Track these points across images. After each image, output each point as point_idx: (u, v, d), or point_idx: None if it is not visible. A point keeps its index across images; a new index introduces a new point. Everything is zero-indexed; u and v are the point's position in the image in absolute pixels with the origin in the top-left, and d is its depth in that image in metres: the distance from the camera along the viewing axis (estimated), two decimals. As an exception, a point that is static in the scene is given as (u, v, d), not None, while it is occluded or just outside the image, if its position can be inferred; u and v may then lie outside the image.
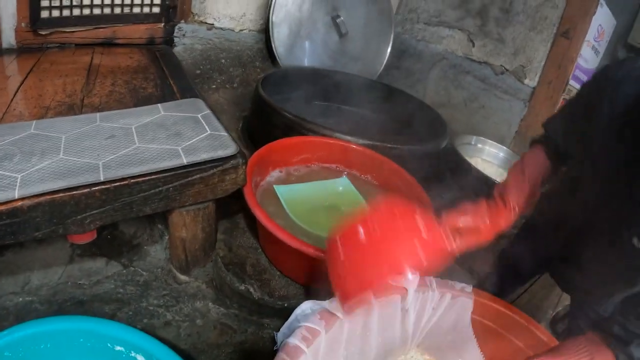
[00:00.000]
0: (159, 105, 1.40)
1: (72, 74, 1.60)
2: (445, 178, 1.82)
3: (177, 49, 1.98)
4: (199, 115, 1.35)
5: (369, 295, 1.05)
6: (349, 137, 1.59)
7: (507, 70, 2.11)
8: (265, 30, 2.25)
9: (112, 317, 1.23)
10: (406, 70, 2.48)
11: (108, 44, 1.87)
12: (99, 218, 1.07)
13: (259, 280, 1.29)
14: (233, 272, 1.28)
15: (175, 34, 1.92)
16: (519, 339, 1.15)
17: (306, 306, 0.98)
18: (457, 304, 1.19)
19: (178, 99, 1.50)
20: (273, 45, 2.19)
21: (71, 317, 0.99)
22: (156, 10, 1.90)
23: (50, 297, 1.23)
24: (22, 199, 0.92)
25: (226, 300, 1.30)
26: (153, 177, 1.08)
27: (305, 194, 1.48)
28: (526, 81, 2.04)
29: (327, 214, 1.43)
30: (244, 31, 2.19)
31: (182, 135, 1.23)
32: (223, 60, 2.13)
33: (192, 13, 1.94)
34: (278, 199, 1.41)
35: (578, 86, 2.07)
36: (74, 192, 0.98)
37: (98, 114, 1.29)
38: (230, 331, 1.25)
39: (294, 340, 0.90)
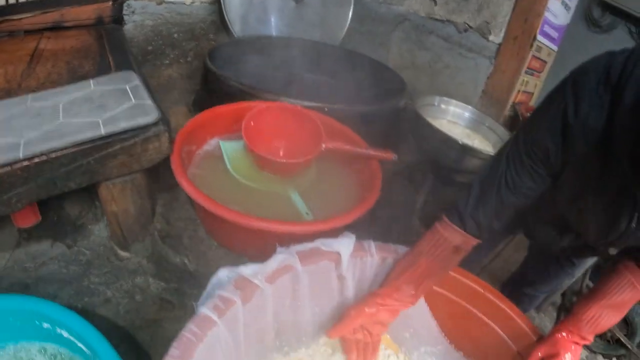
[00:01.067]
0: (90, 80, 1.37)
1: (16, 61, 1.57)
2: (405, 140, 1.76)
3: (128, 27, 1.92)
4: (126, 87, 1.33)
5: (295, 262, 1.00)
6: (293, 100, 1.54)
7: (470, 27, 2.03)
8: (217, 1, 2.17)
9: (54, 297, 1.24)
10: (368, 33, 2.40)
11: (57, 28, 1.82)
12: (25, 196, 1.07)
13: (195, 251, 1.30)
14: (169, 245, 1.27)
15: (124, 12, 1.87)
16: (477, 307, 1.08)
17: (223, 274, 0.93)
18: None
19: (113, 73, 1.44)
20: (226, 17, 2.13)
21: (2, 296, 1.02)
22: (103, -12, 1.83)
23: None
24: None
25: (166, 274, 1.30)
26: (72, 150, 1.07)
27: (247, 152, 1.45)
28: (491, 38, 1.97)
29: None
30: (196, 3, 2.12)
31: (105, 107, 1.21)
32: (175, 35, 2.07)
33: None
34: (220, 164, 1.38)
35: (547, 42, 1.97)
36: None
37: (30, 95, 1.28)
38: (169, 306, 1.25)
39: (204, 310, 0.84)
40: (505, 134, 1.83)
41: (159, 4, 2.00)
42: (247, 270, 0.93)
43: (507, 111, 2.01)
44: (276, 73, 2.16)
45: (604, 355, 1.59)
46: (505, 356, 1.03)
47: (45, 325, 1.00)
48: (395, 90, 1.86)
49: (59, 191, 1.10)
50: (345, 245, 1.07)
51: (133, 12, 1.94)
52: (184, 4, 2.08)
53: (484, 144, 1.87)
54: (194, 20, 2.15)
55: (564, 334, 0.90)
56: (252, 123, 1.36)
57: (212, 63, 1.76)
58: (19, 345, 1.04)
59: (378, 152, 1.38)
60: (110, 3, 1.90)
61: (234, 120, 1.51)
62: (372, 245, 1.11)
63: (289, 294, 1.02)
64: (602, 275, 0.92)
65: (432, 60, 2.16)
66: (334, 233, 1.08)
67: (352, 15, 2.30)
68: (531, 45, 1.88)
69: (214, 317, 0.85)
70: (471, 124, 1.93)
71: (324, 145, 1.34)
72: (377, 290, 1.01)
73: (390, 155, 1.37)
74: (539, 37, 1.95)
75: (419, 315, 1.12)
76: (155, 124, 1.15)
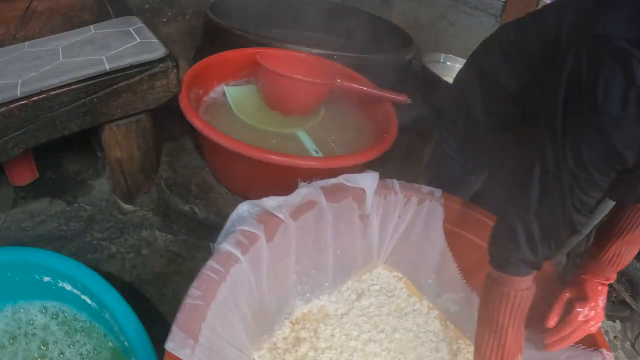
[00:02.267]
0: (90, 26, 1.27)
1: (8, 21, 1.44)
2: (412, 95, 1.68)
3: None
4: (130, 29, 1.25)
5: (319, 197, 0.90)
6: (302, 48, 1.46)
7: None
8: (217, -45, 2.03)
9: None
10: (370, -8, 2.29)
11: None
12: (22, 140, 1.00)
13: (204, 199, 1.24)
14: (177, 193, 1.20)
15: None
16: None
17: (243, 208, 0.85)
18: (425, 210, 1.06)
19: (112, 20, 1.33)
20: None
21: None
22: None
23: None
24: None
25: (173, 226, 1.23)
26: (74, 87, 1.00)
27: (255, 95, 1.39)
28: None
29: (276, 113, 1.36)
30: None
31: (109, 47, 1.16)
32: (172, -8, 1.93)
33: None
34: (225, 112, 1.31)
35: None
36: None
37: (27, 43, 1.21)
38: (178, 259, 1.18)
39: (226, 246, 0.77)
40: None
41: None
42: (271, 202, 0.85)
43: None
44: (280, 29, 2.05)
45: (608, 317, 1.55)
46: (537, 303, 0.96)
47: (46, 278, 0.93)
48: (403, 44, 1.77)
49: (58, 134, 1.02)
50: (369, 181, 1.00)
51: None
52: None
53: (492, 100, 1.80)
54: None
55: (588, 276, 0.85)
56: (263, 62, 1.25)
57: (214, 15, 1.65)
58: (17, 306, 0.96)
59: (391, 94, 1.29)
60: (107, -43, 1.77)
61: (241, 66, 1.45)
62: (395, 184, 1.05)
63: (312, 232, 0.96)
64: (616, 213, 0.85)
65: (436, 19, 2.08)
66: (353, 170, 1.01)
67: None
68: (537, 3, 1.79)
69: (237, 253, 0.77)
70: (476, 81, 1.86)
71: (338, 80, 1.24)
72: None
73: (405, 98, 1.29)
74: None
75: (442, 260, 1.07)
76: (162, 59, 1.07)
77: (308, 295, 1.02)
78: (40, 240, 1.19)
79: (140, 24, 1.25)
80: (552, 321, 0.84)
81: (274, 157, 0.98)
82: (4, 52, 1.14)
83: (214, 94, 1.36)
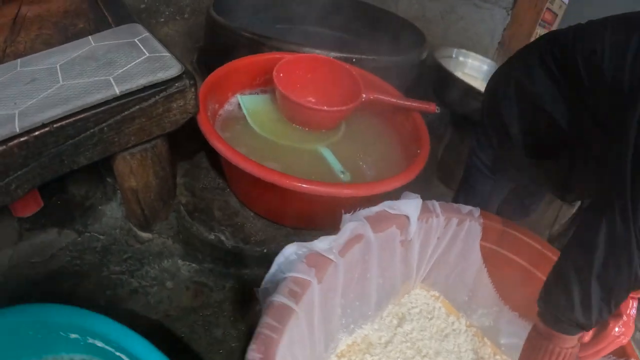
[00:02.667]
0: (89, 37, 1.11)
1: None
2: (426, 92, 1.59)
3: None
4: (135, 40, 1.09)
5: (366, 230, 0.83)
6: (317, 51, 1.33)
7: None
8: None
9: (70, 295, 1.05)
10: (375, -18, 2.16)
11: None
12: (27, 180, 0.85)
13: (230, 225, 1.11)
14: (199, 220, 1.07)
15: (111, -34, 1.55)
16: (541, 271, 0.98)
17: (290, 251, 0.78)
18: (464, 231, 1.02)
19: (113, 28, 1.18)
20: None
21: (11, 309, 0.79)
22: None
23: (3, 284, 1.03)
24: None
25: (197, 254, 1.11)
26: (80, 116, 0.84)
27: (272, 105, 1.27)
28: None
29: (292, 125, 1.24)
30: None
31: (114, 64, 0.98)
32: (169, -10, 1.77)
33: None
34: (242, 126, 1.18)
35: None
36: None
37: (19, 60, 1.04)
38: (206, 290, 1.07)
39: (279, 298, 0.70)
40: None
41: None
42: (322, 244, 0.77)
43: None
44: (286, 26, 1.91)
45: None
46: None
47: (73, 335, 0.80)
48: (416, 42, 1.66)
49: (67, 169, 0.88)
50: (413, 207, 0.93)
51: None
52: None
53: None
54: None
55: None
56: (281, 75, 1.15)
57: (218, 15, 1.51)
58: (42, 360, 0.84)
59: (419, 103, 1.19)
60: (96, -43, 1.60)
61: (255, 74, 1.30)
62: (436, 206, 0.99)
63: (358, 266, 0.90)
64: None
65: (445, 12, 1.95)
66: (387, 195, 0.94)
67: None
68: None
69: (292, 304, 0.70)
70: (489, 77, 1.77)
71: (364, 96, 1.13)
72: None
73: (433, 107, 1.19)
74: (557, -8, 1.77)
75: (478, 278, 1.05)
76: (178, 77, 0.92)
77: (352, 326, 0.95)
78: (54, 277, 1.06)
79: (146, 34, 1.09)
80: (587, 337, 0.81)
81: (314, 187, 0.87)
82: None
83: (229, 106, 1.22)
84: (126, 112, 0.88)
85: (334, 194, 0.89)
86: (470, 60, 1.81)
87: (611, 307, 0.69)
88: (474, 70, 1.82)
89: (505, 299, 1.03)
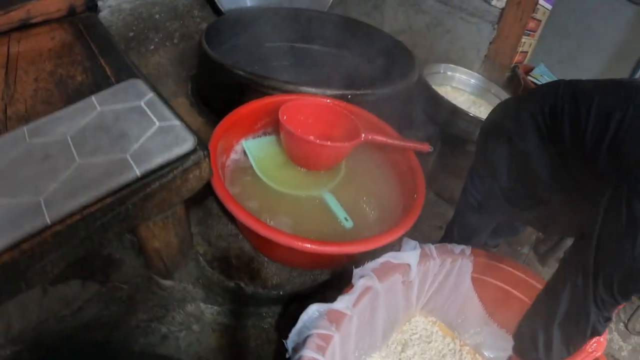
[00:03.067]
0: (92, 98, 1.12)
1: None
2: (416, 110, 1.64)
3: (103, 14, 1.60)
4: (141, 103, 1.09)
5: (374, 282, 0.94)
6: (313, 90, 1.36)
7: None
8: (198, -27, 1.83)
9: (106, 344, 1.09)
10: (360, -5, 2.14)
11: (24, 27, 1.47)
12: (61, 259, 0.88)
13: (247, 272, 1.16)
14: (219, 270, 1.14)
15: (98, -3, 1.52)
16: (519, 290, 1.12)
17: (312, 309, 0.90)
18: (457, 267, 1.14)
19: (113, 83, 1.20)
20: (210, -11, 1.80)
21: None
22: (71, -26, 1.48)
23: (36, 340, 1.06)
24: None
25: (218, 298, 1.17)
26: (107, 201, 0.87)
27: (275, 147, 1.32)
28: (493, 2, 1.79)
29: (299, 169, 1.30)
30: None
31: (127, 137, 0.99)
32: (157, 16, 1.74)
33: None
34: (251, 177, 1.23)
35: (544, 3, 1.81)
36: (22, 246, 0.79)
37: (25, 128, 1.03)
38: (229, 330, 1.14)
39: (309, 353, 0.81)
40: (513, 100, 1.74)
41: None
42: (340, 304, 0.89)
43: (507, 74, 1.90)
44: (279, 52, 1.91)
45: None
46: None
47: None
48: (406, 64, 1.67)
49: (96, 245, 0.91)
50: (413, 256, 1.04)
51: None
52: None
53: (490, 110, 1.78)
54: None
55: None
56: (285, 117, 1.19)
57: (209, 48, 1.51)
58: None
59: (414, 143, 1.25)
60: (81, -10, 1.55)
61: (257, 118, 1.32)
62: (432, 250, 1.09)
63: (368, 311, 0.99)
64: None
65: (431, 25, 1.96)
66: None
67: (342, -24, 2.04)
68: (533, 10, 1.73)
69: (319, 357, 0.81)
70: (477, 91, 1.82)
71: (363, 135, 1.20)
72: None
73: (427, 147, 1.26)
74: (541, 1, 1.79)
75: (469, 303, 1.17)
76: (193, 151, 0.96)
77: (363, 356, 1.06)
78: (85, 329, 1.08)
79: (150, 94, 1.09)
80: None
81: (321, 247, 0.94)
82: (4, 145, 0.97)
83: (234, 154, 1.25)
84: (148, 190, 0.90)
85: (337, 252, 0.96)
86: (457, 75, 1.85)
87: (570, 351, 0.80)
88: (461, 83, 1.86)
89: (492, 317, 1.17)
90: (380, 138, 1.21)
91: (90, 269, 1.19)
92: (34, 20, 1.53)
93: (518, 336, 0.88)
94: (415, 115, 1.77)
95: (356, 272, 0.96)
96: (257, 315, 1.17)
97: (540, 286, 1.04)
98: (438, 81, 1.82)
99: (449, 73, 1.84)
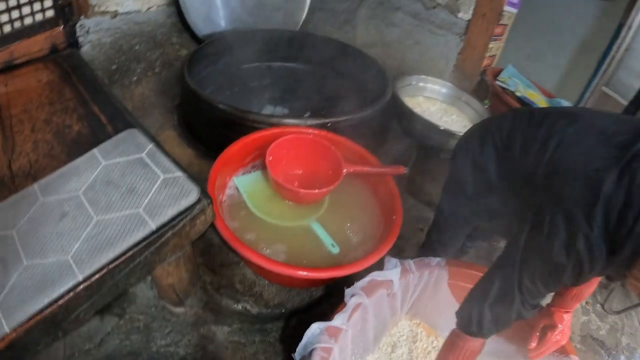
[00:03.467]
0: (95, 151, 1.22)
1: None
2: (395, 127, 1.80)
3: (85, 49, 1.67)
4: (143, 155, 1.21)
5: (363, 298, 1.12)
6: (296, 121, 1.50)
7: (439, 4, 1.96)
8: (174, 2, 1.91)
9: None
10: (331, 11, 2.24)
11: (8, 68, 1.54)
12: (91, 307, 1.01)
13: (251, 295, 1.32)
14: (226, 295, 1.30)
15: (78, 34, 1.60)
16: None
17: (314, 327, 1.06)
18: (434, 277, 1.30)
19: (110, 133, 1.31)
20: (187, 16, 1.89)
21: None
22: (50, 14, 1.56)
23: None
24: (14, 329, 0.85)
25: (227, 319, 1.33)
26: (129, 254, 1.00)
27: (264, 182, 1.45)
28: (460, 15, 1.92)
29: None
30: (152, 9, 1.85)
31: (136, 191, 1.11)
32: (137, 47, 1.82)
33: (91, 5, 1.61)
34: (245, 211, 1.36)
35: (510, 9, 1.96)
36: (60, 302, 0.91)
37: (36, 186, 1.13)
38: (240, 346, 1.31)
39: None
40: (480, 107, 1.91)
41: (114, 17, 1.71)
42: (336, 321, 1.06)
43: (476, 80, 2.07)
44: (257, 72, 2.03)
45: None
46: (520, 327, 1.23)
47: None
48: (381, 83, 1.81)
49: (122, 291, 1.06)
50: (395, 273, 1.21)
51: (87, 31, 1.66)
52: (140, 12, 1.80)
53: (462, 118, 1.95)
54: (154, 26, 1.88)
55: (556, 307, 1.11)
56: (271, 158, 1.34)
57: (190, 77, 1.61)
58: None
59: (390, 168, 1.41)
60: (61, 28, 1.61)
61: (246, 154, 1.45)
62: (411, 265, 1.26)
63: (359, 323, 1.16)
64: None
65: (402, 37, 2.09)
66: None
67: (312, -7, 2.14)
68: (498, 20, 1.88)
69: None
70: (448, 99, 1.98)
71: (345, 170, 1.36)
72: None
73: (402, 169, 1.42)
74: (505, 8, 1.93)
75: (447, 305, 1.32)
76: (198, 200, 1.10)
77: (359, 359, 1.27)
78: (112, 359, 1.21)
79: (150, 145, 1.18)
80: (533, 344, 1.13)
81: (314, 274, 1.10)
82: (19, 204, 1.08)
83: (229, 190, 1.37)
84: (162, 239, 1.05)
85: (326, 277, 1.13)
86: (429, 85, 1.98)
87: (498, 328, 0.97)
88: (433, 93, 1.99)
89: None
90: (360, 168, 1.37)
91: (107, 304, 1.33)
92: (18, 61, 1.60)
93: (459, 313, 1.05)
94: (391, 129, 1.93)
95: (347, 291, 1.13)
96: (263, 331, 1.34)
97: None
98: (411, 92, 1.97)
99: (421, 84, 1.99)
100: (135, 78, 1.82)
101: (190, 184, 1.12)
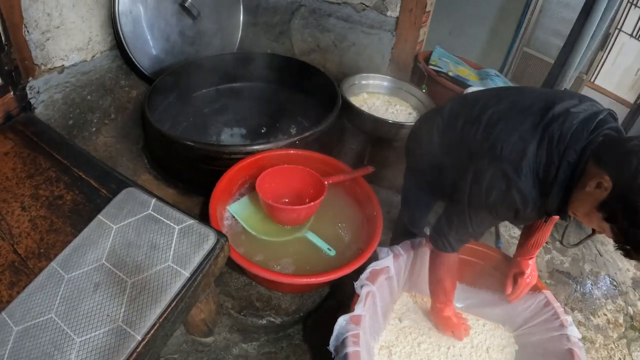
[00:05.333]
0: (101, 218, 1.33)
1: None
2: (348, 126, 2.05)
3: (39, 110, 1.71)
4: (151, 212, 1.34)
5: (370, 287, 1.38)
6: (266, 146, 1.70)
7: (367, 6, 2.20)
8: (117, 45, 1.97)
9: None
10: (265, 25, 2.40)
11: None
12: (151, 351, 1.15)
13: (271, 308, 1.52)
14: (250, 314, 1.48)
15: (29, 96, 1.64)
16: (479, 259, 1.60)
17: (341, 320, 1.30)
18: (419, 254, 1.58)
19: (106, 196, 1.41)
20: (132, 58, 1.97)
21: None
22: (-2, 81, 1.58)
23: None
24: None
25: (254, 335, 1.53)
26: (173, 304, 1.15)
27: (256, 206, 1.64)
28: (389, 13, 2.16)
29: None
30: (97, 56, 1.90)
31: (158, 247, 1.25)
32: (89, 97, 1.88)
33: (37, 65, 1.64)
34: (247, 236, 1.55)
35: None
36: None
37: (55, 265, 1.22)
38: (273, 355, 1.52)
39: (351, 348, 1.24)
40: (419, 94, 2.22)
41: (61, 72, 1.75)
42: (357, 311, 1.31)
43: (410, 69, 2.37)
44: (207, 97, 2.17)
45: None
46: (497, 278, 1.58)
47: None
48: (330, 90, 2.02)
49: (170, 336, 1.24)
50: (389, 259, 1.50)
51: (38, 92, 1.70)
52: (85, 61, 1.85)
53: (405, 106, 2.24)
54: (101, 73, 1.93)
55: (521, 257, 1.44)
56: (260, 188, 1.55)
57: (155, 121, 1.73)
58: None
59: (360, 170, 1.65)
60: (12, 93, 1.64)
61: (233, 184, 1.62)
62: (400, 249, 1.55)
63: (371, 307, 1.41)
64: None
65: (337, 40, 2.31)
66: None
67: (244, 10, 2.27)
68: (424, 12, 2.16)
69: (357, 348, 1.24)
70: (390, 92, 2.27)
71: (326, 183, 1.61)
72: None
73: (370, 169, 1.69)
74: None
75: None
76: (217, 242, 1.28)
77: (376, 337, 1.50)
78: None
79: (152, 200, 1.30)
80: (509, 289, 1.45)
81: (320, 278, 1.32)
82: (46, 284, 1.16)
83: (227, 221, 1.52)
84: (195, 283, 1.23)
85: (331, 278, 1.35)
86: (371, 81, 2.23)
87: (461, 244, 1.26)
88: (376, 87, 2.25)
89: (475, 286, 1.62)
90: (337, 178, 1.61)
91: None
92: (-27, 135, 1.61)
93: (432, 238, 1.31)
94: (346, 129, 2.19)
95: (357, 284, 1.36)
96: (287, 337, 1.57)
97: (487, 250, 1.57)
98: (356, 91, 2.23)
99: (363, 82, 2.25)
100: (94, 129, 1.88)
101: (204, 229, 1.30)
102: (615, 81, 2.93)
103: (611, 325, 1.81)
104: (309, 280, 1.33)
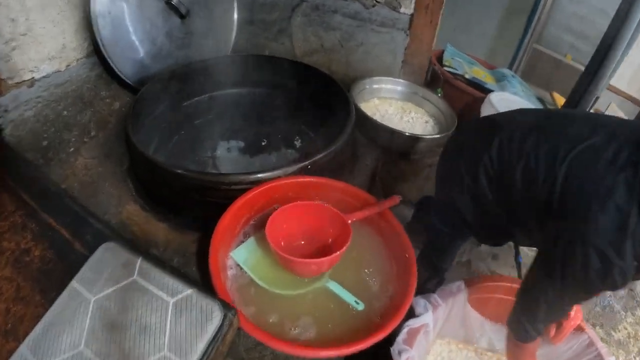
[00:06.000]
0: (75, 285, 1.04)
1: None
2: (360, 138, 1.71)
3: (8, 131, 1.39)
4: (136, 278, 1.03)
5: (408, 351, 1.13)
6: (270, 174, 1.34)
7: (378, 2, 1.80)
8: (96, 51, 1.58)
9: None
10: (262, 23, 1.99)
11: None
12: None
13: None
14: None
15: (-4, 117, 1.27)
16: (500, 293, 1.36)
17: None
18: (457, 300, 1.32)
19: (80, 252, 1.08)
20: (112, 65, 1.58)
21: None
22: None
23: None
24: None
25: None
26: None
27: (262, 250, 1.29)
28: (402, 10, 1.80)
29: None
30: (72, 65, 1.53)
31: (149, 329, 0.97)
32: (65, 112, 1.50)
33: (2, 80, 1.31)
34: (256, 289, 1.21)
35: None
36: None
37: (24, 349, 0.94)
38: None
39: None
40: (435, 99, 1.86)
41: (31, 85, 1.37)
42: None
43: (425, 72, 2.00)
44: (199, 107, 1.80)
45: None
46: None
47: None
48: (339, 98, 1.66)
49: None
50: (428, 315, 1.21)
51: (6, 110, 1.33)
52: (59, 71, 1.45)
53: (420, 113, 1.90)
54: (78, 84, 1.53)
55: None
56: (270, 234, 1.19)
57: (135, 138, 1.37)
58: None
59: (387, 202, 1.33)
60: (-24, 115, 1.25)
61: (235, 225, 1.29)
62: (437, 299, 1.27)
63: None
64: None
65: (343, 40, 1.92)
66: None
67: (238, 8, 1.85)
68: (442, 8, 1.78)
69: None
70: (404, 97, 1.92)
71: (349, 222, 1.26)
72: None
73: (397, 199, 1.36)
74: (445, -3, 1.83)
75: (469, 317, 1.39)
76: (224, 316, 0.95)
77: None
78: None
79: (137, 260, 0.99)
80: (552, 331, 1.22)
81: (347, 349, 1.00)
82: None
83: (230, 271, 1.21)
84: None
85: (363, 347, 1.02)
86: (383, 85, 1.91)
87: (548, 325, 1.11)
88: (388, 92, 1.93)
89: (490, 319, 1.40)
90: (360, 215, 1.28)
91: None
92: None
93: (514, 330, 1.14)
94: (358, 142, 1.83)
95: (393, 350, 1.11)
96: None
97: (508, 284, 1.34)
98: (366, 96, 1.87)
99: (375, 86, 1.90)
100: (71, 149, 1.49)
101: (207, 301, 0.98)
102: (627, 80, 2.61)
103: (632, 340, 1.67)
104: (339, 352, 1.01)
